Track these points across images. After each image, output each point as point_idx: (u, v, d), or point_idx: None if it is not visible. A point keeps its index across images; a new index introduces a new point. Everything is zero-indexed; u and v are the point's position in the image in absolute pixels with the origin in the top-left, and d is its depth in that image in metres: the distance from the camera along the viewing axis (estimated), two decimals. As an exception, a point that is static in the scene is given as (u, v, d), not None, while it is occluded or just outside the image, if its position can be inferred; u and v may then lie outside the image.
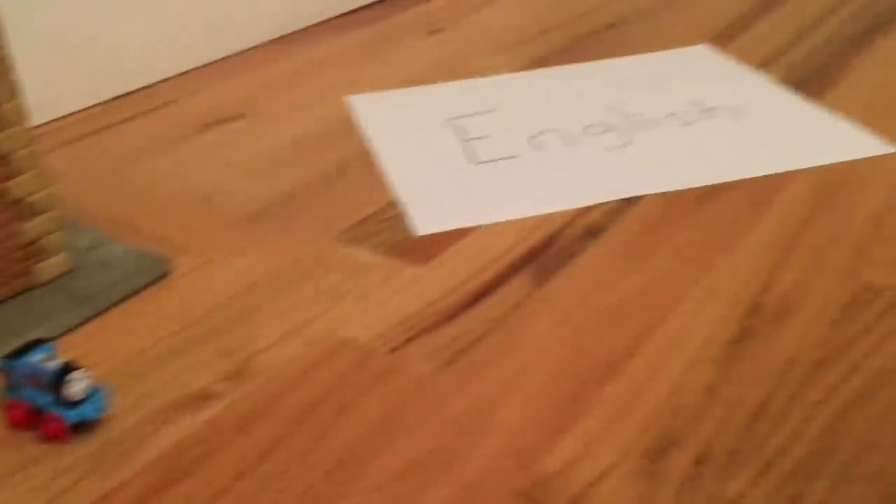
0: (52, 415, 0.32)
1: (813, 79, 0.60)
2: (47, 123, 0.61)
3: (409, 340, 0.37)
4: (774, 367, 0.34)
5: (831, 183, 0.47)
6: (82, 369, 0.32)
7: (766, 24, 0.71)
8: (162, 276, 0.43)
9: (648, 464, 0.30)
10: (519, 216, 0.46)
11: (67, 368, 0.32)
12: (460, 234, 0.45)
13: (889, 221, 0.43)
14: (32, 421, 0.32)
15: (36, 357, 0.32)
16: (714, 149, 0.52)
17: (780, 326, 0.36)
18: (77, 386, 0.32)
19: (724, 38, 0.70)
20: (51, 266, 0.41)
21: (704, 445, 0.30)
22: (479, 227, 0.45)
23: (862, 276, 0.39)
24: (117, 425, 0.33)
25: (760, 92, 0.59)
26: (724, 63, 0.64)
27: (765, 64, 0.63)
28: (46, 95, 0.61)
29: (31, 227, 0.40)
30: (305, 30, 0.80)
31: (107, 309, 0.40)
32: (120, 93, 0.67)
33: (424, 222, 0.46)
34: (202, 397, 0.34)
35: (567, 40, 0.72)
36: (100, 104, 0.65)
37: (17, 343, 0.37)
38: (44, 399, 0.32)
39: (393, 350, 0.36)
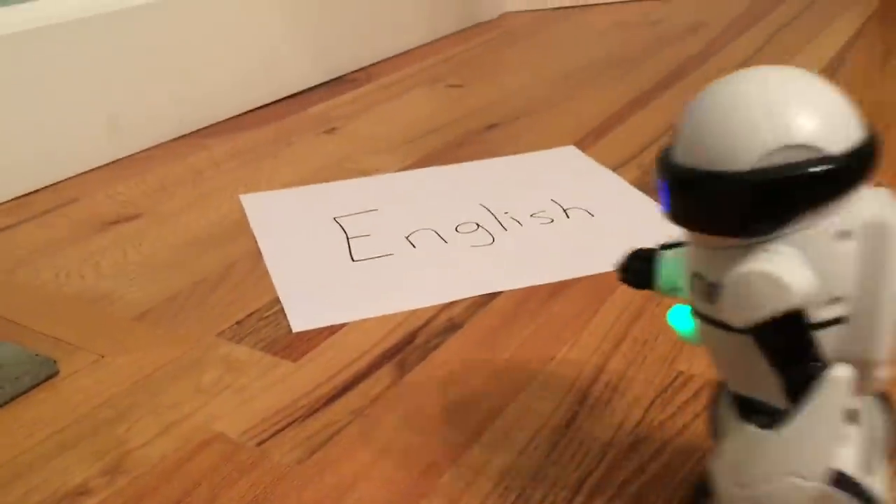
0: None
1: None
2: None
3: (276, 433, 0.41)
4: (594, 450, 0.39)
5: (664, 278, 0.53)
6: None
7: (625, 129, 0.79)
8: (50, 377, 0.46)
9: (477, 541, 0.34)
10: (388, 312, 0.51)
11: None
12: (332, 330, 0.49)
13: (707, 314, 0.49)
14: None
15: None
16: (567, 246, 0.57)
17: (603, 412, 0.41)
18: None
19: (591, 137, 0.77)
20: (-60, 370, 0.43)
21: (526, 522, 0.35)
22: (350, 323, 0.50)
23: (676, 364, 0.44)
24: (-3, 523, 0.36)
25: (614, 192, 0.66)
26: (587, 163, 0.71)
27: (620, 165, 0.71)
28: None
29: (-78, 334, 0.42)
30: (205, 129, 0.84)
31: (-6, 410, 0.43)
32: (19, 193, 0.70)
33: (299, 319, 0.50)
34: (79, 493, 0.37)
35: (451, 139, 0.78)
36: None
37: None
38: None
39: (261, 443, 0.40)
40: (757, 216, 0.25)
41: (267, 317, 0.51)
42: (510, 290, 0.53)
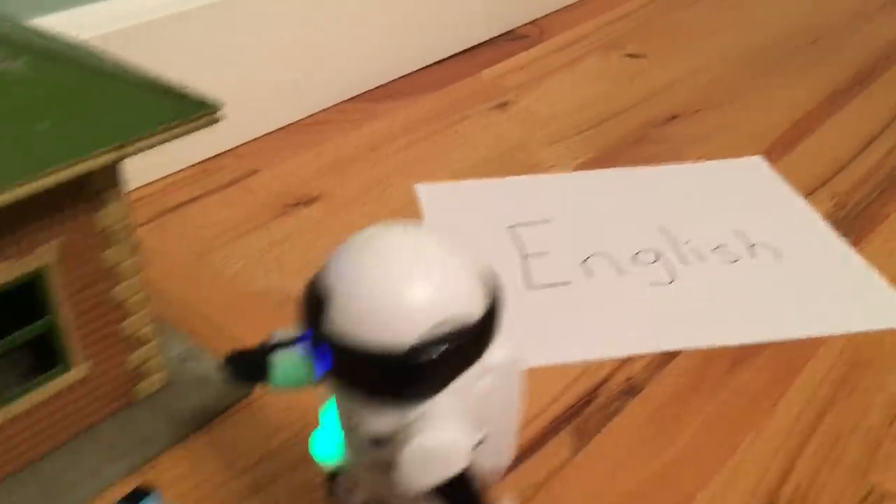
0: (155, 558, 0.38)
1: (856, 216, 0.63)
2: (136, 189, 0.67)
3: None
4: (777, 573, 0.39)
5: (858, 357, 0.51)
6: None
7: (816, 139, 0.74)
8: (245, 396, 0.48)
9: None
10: (565, 361, 0.51)
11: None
12: (511, 377, 0.49)
13: (904, 414, 0.47)
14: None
15: (145, 507, 0.38)
16: (753, 299, 0.55)
17: (788, 526, 0.41)
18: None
19: (781, 146, 0.73)
20: (149, 385, 0.47)
21: None
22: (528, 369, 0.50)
23: (869, 476, 0.43)
24: (207, 566, 0.39)
25: (804, 227, 0.62)
26: (774, 183, 0.67)
27: (812, 190, 0.66)
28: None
29: (137, 356, 0.45)
30: (377, 89, 0.83)
31: (198, 429, 0.46)
32: (208, 156, 0.72)
33: (479, 361, 0.51)
34: (279, 543, 0.40)
35: (630, 131, 0.75)
36: (183, 170, 0.70)
37: (121, 466, 0.43)
38: (148, 544, 0.38)
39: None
40: (419, 387, 0.28)
41: (445, 348, 0.52)
42: (689, 351, 0.51)
